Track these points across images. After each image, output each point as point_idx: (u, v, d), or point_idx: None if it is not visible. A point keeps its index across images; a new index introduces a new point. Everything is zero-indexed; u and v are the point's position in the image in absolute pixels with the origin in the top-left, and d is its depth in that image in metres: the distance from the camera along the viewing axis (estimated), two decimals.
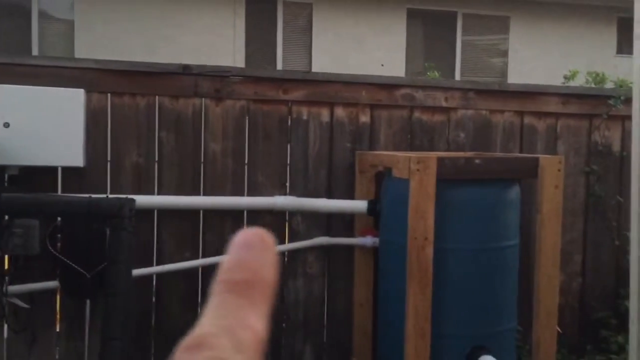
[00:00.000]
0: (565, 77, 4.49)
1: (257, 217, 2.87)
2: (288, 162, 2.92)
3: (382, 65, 8.40)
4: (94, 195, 2.47)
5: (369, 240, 2.86)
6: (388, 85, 3.04)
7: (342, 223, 2.95)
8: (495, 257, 2.51)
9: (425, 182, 2.32)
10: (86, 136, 2.62)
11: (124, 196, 2.45)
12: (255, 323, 0.32)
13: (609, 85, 3.84)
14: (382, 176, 2.80)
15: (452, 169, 2.40)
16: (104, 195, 2.58)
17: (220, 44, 8.26)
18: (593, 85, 3.90)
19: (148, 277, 2.76)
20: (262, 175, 2.88)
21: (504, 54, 9.41)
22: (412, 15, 9.02)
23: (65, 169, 2.61)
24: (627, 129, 3.31)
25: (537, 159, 2.54)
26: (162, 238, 2.77)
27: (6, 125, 2.43)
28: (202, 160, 2.81)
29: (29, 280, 2.56)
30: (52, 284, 2.58)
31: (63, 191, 2.61)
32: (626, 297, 2.95)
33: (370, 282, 2.91)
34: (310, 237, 2.92)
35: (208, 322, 0.31)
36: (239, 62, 8.24)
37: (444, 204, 2.37)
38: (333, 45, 8.63)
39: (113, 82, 2.71)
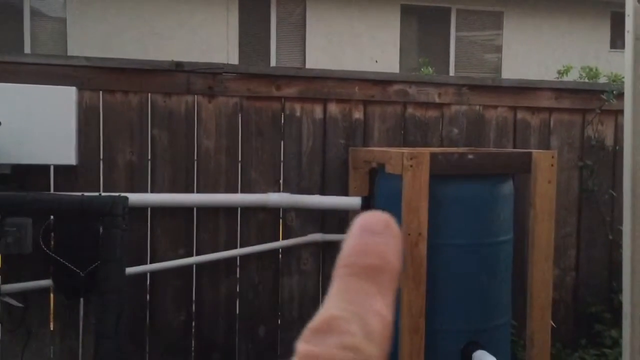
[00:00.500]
0: (559, 72, 4.49)
1: (250, 214, 2.87)
2: (281, 158, 2.91)
3: (376, 61, 8.39)
4: (86, 194, 2.46)
5: None
6: (381, 81, 3.04)
7: (336, 219, 2.95)
8: (489, 253, 2.51)
9: (418, 177, 2.32)
10: (78, 134, 2.61)
11: (117, 194, 2.44)
12: (383, 310, 0.30)
13: (602, 80, 3.85)
14: (376, 172, 2.80)
15: (445, 164, 2.40)
16: (97, 194, 2.57)
17: (214, 41, 8.24)
18: (587, 80, 3.91)
19: (142, 275, 2.75)
20: (256, 172, 2.87)
21: (498, 49, 9.42)
22: (406, 11, 9.01)
23: (58, 167, 2.60)
24: (620, 124, 3.31)
25: (530, 154, 2.55)
26: (156, 236, 2.77)
27: None
28: (196, 157, 2.81)
29: (22, 279, 2.55)
30: (46, 282, 2.57)
31: (55, 190, 2.60)
32: (620, 291, 2.96)
33: None
34: (305, 234, 2.92)
35: (335, 305, 0.30)
36: (233, 59, 8.22)
37: (437, 199, 2.37)
38: (327, 42, 8.62)
39: (105, 79, 2.70)
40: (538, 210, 2.52)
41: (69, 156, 2.52)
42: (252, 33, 8.61)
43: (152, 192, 2.74)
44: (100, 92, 2.70)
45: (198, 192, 2.80)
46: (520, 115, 3.23)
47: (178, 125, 2.78)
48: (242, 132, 2.86)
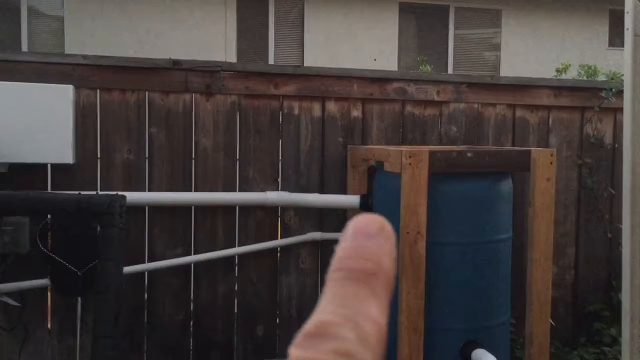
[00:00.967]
0: (558, 70, 4.49)
1: (249, 212, 2.86)
2: (280, 157, 2.90)
3: (375, 59, 8.38)
4: (83, 192, 2.45)
5: None
6: (380, 79, 3.03)
7: (335, 218, 2.94)
8: (488, 251, 2.51)
9: (417, 176, 2.31)
10: (75, 133, 2.59)
11: (114, 193, 2.42)
12: (377, 315, 0.30)
13: (601, 78, 3.84)
14: (374, 170, 2.79)
15: (444, 162, 2.39)
16: (94, 192, 2.56)
17: (212, 39, 8.22)
18: (585, 78, 3.90)
19: (140, 274, 2.74)
20: (254, 170, 2.86)
21: (496, 47, 9.41)
22: (404, 9, 9.00)
23: (55, 166, 2.59)
24: (619, 122, 3.31)
25: (529, 152, 2.54)
26: (154, 235, 2.75)
27: None
28: (193, 156, 2.79)
29: (19, 279, 2.54)
30: (43, 282, 2.56)
31: (53, 188, 2.59)
32: (619, 289, 2.96)
33: None
34: (303, 233, 2.91)
35: (328, 309, 0.29)
36: (231, 57, 8.21)
37: (436, 197, 2.37)
38: (325, 40, 8.61)
39: (102, 77, 2.69)
40: (537, 208, 2.51)
41: (66, 155, 2.51)
42: (250, 31, 8.60)
43: (149, 190, 2.73)
44: (98, 91, 2.68)
45: (196, 190, 2.79)
46: (519, 113, 3.22)
47: (176, 124, 2.77)
48: (240, 131, 2.85)
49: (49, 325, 2.66)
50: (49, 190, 2.59)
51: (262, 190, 2.85)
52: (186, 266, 2.80)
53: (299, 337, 0.29)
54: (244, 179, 2.85)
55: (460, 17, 9.24)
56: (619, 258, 2.60)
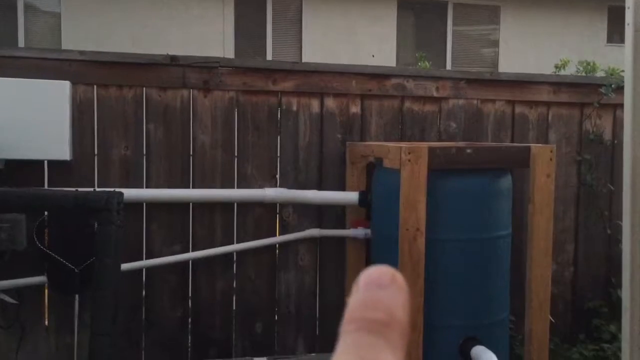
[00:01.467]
0: (556, 67, 4.47)
1: (247, 209, 2.84)
2: (278, 153, 2.89)
3: (373, 55, 8.36)
4: (80, 189, 2.43)
5: (360, 232, 2.83)
6: (378, 75, 3.01)
7: (334, 214, 2.93)
8: (488, 248, 2.50)
9: (416, 172, 2.30)
10: (72, 129, 2.58)
11: (111, 189, 2.41)
12: None
13: (599, 74, 3.83)
14: (373, 167, 2.78)
15: (444, 159, 2.37)
16: (91, 189, 2.54)
17: (209, 36, 8.19)
18: (584, 74, 3.89)
19: (138, 271, 2.73)
20: (252, 167, 2.85)
21: (495, 44, 9.40)
22: (402, 5, 8.98)
23: (52, 163, 2.57)
24: (618, 118, 3.30)
25: (528, 148, 2.53)
26: (151, 231, 2.74)
27: None
28: (191, 152, 2.78)
29: (16, 276, 2.53)
30: (40, 279, 2.55)
31: (49, 185, 2.58)
32: (618, 285, 2.95)
33: None
34: (302, 229, 2.89)
35: None
36: (228, 53, 8.18)
37: (435, 194, 2.35)
38: (323, 36, 8.58)
39: (99, 73, 2.67)
40: (537, 204, 2.50)
41: (62, 151, 2.49)
42: (248, 28, 8.57)
43: (147, 187, 2.72)
44: (95, 87, 2.67)
45: (194, 187, 2.77)
46: (518, 109, 3.21)
47: (173, 120, 2.75)
48: (238, 127, 2.84)
49: (46, 323, 2.64)
50: (46, 186, 2.57)
51: (261, 186, 2.84)
52: (184, 263, 2.79)
53: None
54: (242, 176, 2.83)
55: (458, 14, 9.23)
56: (619, 255, 2.59)
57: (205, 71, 2.77)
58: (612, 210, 3.33)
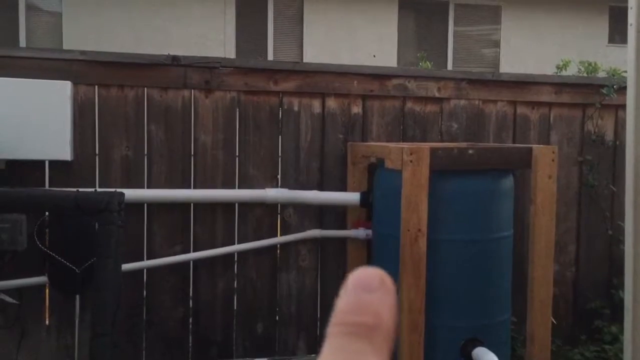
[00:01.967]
0: (558, 67, 4.47)
1: (248, 209, 2.84)
2: (279, 153, 2.89)
3: (374, 56, 8.36)
4: (81, 189, 2.43)
5: (361, 233, 2.83)
6: (380, 76, 3.01)
7: (335, 215, 2.92)
8: (489, 249, 2.49)
9: (418, 173, 2.29)
10: (73, 129, 2.57)
11: (112, 190, 2.40)
12: None
13: (601, 74, 3.82)
14: (375, 167, 2.77)
15: (445, 159, 2.37)
16: (92, 189, 2.54)
17: (211, 35, 8.19)
18: (585, 75, 3.89)
19: (139, 272, 2.72)
20: (253, 167, 2.84)
21: (496, 44, 9.39)
22: (403, 5, 8.97)
23: (53, 163, 2.57)
24: (620, 118, 3.29)
25: (530, 149, 2.52)
26: (152, 232, 2.74)
27: None
28: (192, 152, 2.77)
29: (17, 276, 2.52)
30: (41, 279, 2.54)
31: (50, 185, 2.57)
32: (620, 286, 2.95)
33: None
34: (303, 230, 2.89)
35: None
36: (230, 53, 8.18)
37: (437, 195, 2.35)
38: (324, 36, 8.58)
39: (100, 73, 2.66)
40: (538, 205, 2.49)
41: (63, 151, 2.49)
42: (249, 28, 8.56)
43: (148, 187, 2.71)
44: (96, 87, 2.66)
45: (195, 187, 2.77)
46: (520, 110, 3.20)
47: (174, 120, 2.75)
48: (239, 127, 2.83)
49: (47, 323, 2.64)
50: (47, 187, 2.57)
51: (262, 187, 2.83)
52: (185, 264, 2.78)
53: None
54: (243, 176, 2.83)
55: (459, 14, 9.22)
56: (620, 256, 2.59)
57: (206, 71, 2.77)
58: (614, 211, 3.32)
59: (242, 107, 2.83)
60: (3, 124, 2.40)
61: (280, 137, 2.89)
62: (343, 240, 2.92)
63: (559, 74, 3.88)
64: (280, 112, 2.89)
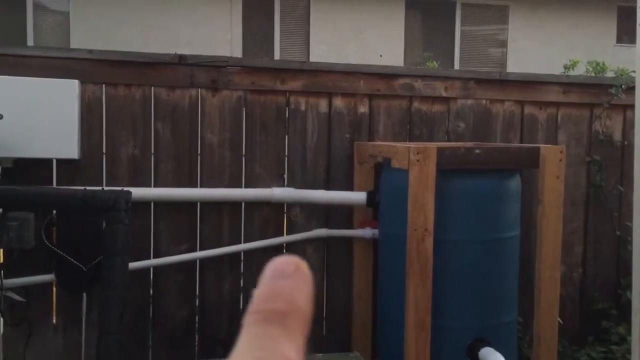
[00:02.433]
0: (565, 67, 4.45)
1: (254, 209, 2.84)
2: (286, 153, 2.89)
3: (381, 55, 8.35)
4: (89, 188, 2.43)
5: (368, 232, 2.83)
6: (387, 75, 3.00)
7: (341, 214, 2.92)
8: (496, 249, 2.48)
9: (425, 172, 2.29)
10: (81, 128, 2.58)
11: (119, 188, 2.41)
12: (292, 355, 0.30)
13: (609, 74, 3.80)
14: (381, 167, 2.77)
15: (452, 159, 2.36)
16: (100, 188, 2.54)
17: (217, 35, 8.20)
18: (593, 75, 3.87)
19: (145, 270, 2.73)
20: (260, 166, 2.84)
21: (503, 44, 9.36)
22: (410, 5, 8.96)
23: (60, 161, 2.58)
24: (628, 118, 3.27)
25: (538, 149, 2.51)
26: (159, 230, 2.74)
27: None
28: (199, 151, 2.78)
29: (24, 274, 2.53)
30: (48, 277, 2.55)
31: (58, 184, 2.58)
32: (627, 287, 2.93)
33: (369, 274, 2.88)
34: (309, 229, 2.89)
35: (243, 353, 0.31)
36: (236, 52, 8.19)
37: (444, 194, 2.34)
38: (331, 36, 8.57)
39: (108, 72, 2.67)
40: (546, 205, 2.49)
41: (71, 150, 2.50)
42: (256, 27, 8.57)
43: (155, 186, 2.72)
44: (103, 85, 2.67)
45: (201, 186, 2.77)
46: (527, 109, 3.19)
47: (181, 119, 2.75)
48: (246, 126, 2.83)
49: (54, 321, 2.65)
50: (54, 185, 2.57)
51: (268, 186, 2.83)
52: (191, 262, 2.79)
53: None
54: (249, 175, 2.83)
55: (466, 13, 9.20)
56: (628, 256, 2.57)
57: (213, 70, 2.77)
58: (622, 212, 3.30)
59: (249, 107, 2.84)
60: (11, 123, 2.41)
61: (286, 136, 2.89)
62: (349, 240, 2.92)
63: (566, 73, 3.86)
64: (287, 112, 2.89)
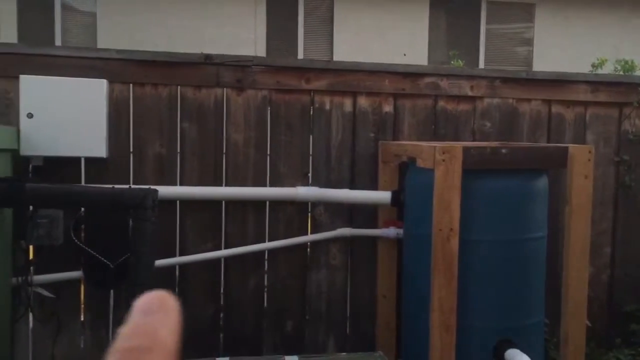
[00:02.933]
0: (593, 66, 4.38)
1: (279, 207, 2.85)
2: (310, 152, 2.89)
3: (404, 54, 8.30)
4: (117, 186, 2.47)
5: (392, 232, 2.82)
6: (412, 74, 2.99)
7: (365, 214, 2.91)
8: (522, 249, 2.46)
9: (450, 172, 2.27)
10: (109, 127, 2.61)
11: (146, 187, 2.44)
12: None
13: (638, 73, 3.73)
14: (406, 166, 2.75)
15: (479, 158, 2.34)
16: (127, 186, 2.57)
17: (241, 34, 8.24)
18: (622, 73, 3.80)
19: (171, 268, 2.76)
20: (284, 165, 2.85)
21: (529, 42, 9.24)
22: (434, 3, 8.89)
23: (88, 160, 2.62)
24: None
25: (566, 149, 2.48)
26: (185, 229, 2.77)
27: (30, 115, 2.44)
28: (224, 150, 2.80)
29: (53, 270, 2.58)
30: (76, 274, 2.59)
31: (86, 182, 2.62)
32: None
33: (393, 273, 2.87)
34: (333, 228, 2.89)
35: None
36: (260, 52, 8.21)
37: (469, 194, 2.32)
38: (354, 35, 8.55)
39: (135, 72, 2.70)
40: (574, 206, 2.45)
41: (99, 149, 2.53)
42: (280, 26, 8.59)
43: (181, 184, 2.74)
44: (131, 85, 2.70)
45: (226, 185, 2.79)
46: (554, 109, 3.15)
47: (207, 118, 2.78)
48: (270, 125, 2.85)
49: (81, 317, 2.69)
50: (83, 183, 2.61)
51: (292, 185, 2.84)
52: (216, 260, 2.81)
53: None
54: (274, 174, 2.84)
55: (492, 12, 9.10)
56: None
57: (239, 70, 2.79)
58: None
59: (274, 106, 2.85)
60: (41, 122, 2.45)
61: (311, 135, 2.89)
62: (373, 239, 2.91)
63: (594, 72, 3.80)
64: (312, 111, 2.89)
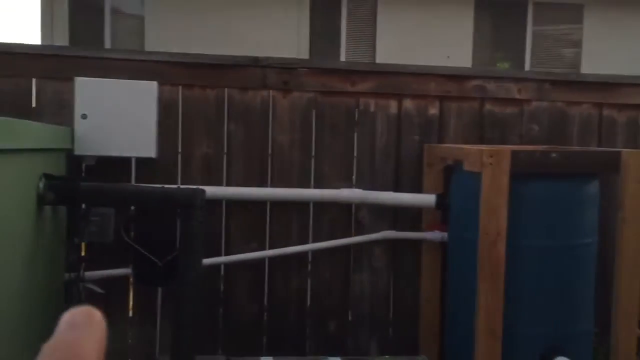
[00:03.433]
0: None
1: (323, 209, 2.86)
2: (355, 154, 2.89)
3: (448, 57, 8.23)
4: (166, 186, 2.52)
5: (437, 235, 2.80)
6: (458, 77, 2.96)
7: (409, 217, 2.90)
8: (571, 255, 2.41)
9: (497, 176, 2.24)
10: (158, 128, 2.67)
11: (194, 187, 2.48)
12: None
13: None
14: (451, 170, 2.73)
15: (527, 162, 2.31)
16: (176, 186, 2.63)
17: (285, 36, 8.31)
18: None
19: (216, 267, 2.80)
20: (329, 167, 2.86)
21: (577, 44, 9.04)
22: (479, 5, 8.78)
23: (139, 160, 2.68)
24: None
25: (619, 153, 2.41)
26: (230, 229, 2.81)
27: (84, 116, 2.51)
28: (270, 152, 2.83)
29: (103, 267, 2.65)
30: (125, 271, 2.66)
31: (136, 181, 2.69)
32: None
33: (437, 277, 2.85)
34: (377, 231, 2.88)
35: None
36: (303, 54, 8.26)
37: (517, 198, 2.29)
38: (397, 37, 8.52)
39: (184, 74, 2.76)
40: (627, 212, 2.39)
41: (149, 149, 2.59)
42: (323, 29, 8.63)
43: (227, 185, 2.79)
44: (180, 87, 2.76)
45: (271, 186, 2.82)
46: (606, 112, 3.07)
47: (253, 120, 2.81)
48: (315, 127, 2.86)
49: (129, 314, 2.76)
50: (133, 182, 2.68)
51: (336, 187, 2.85)
52: (260, 260, 2.84)
53: None
54: (318, 176, 2.86)
55: (539, 13, 8.93)
56: None
57: (285, 72, 2.81)
58: None
59: (319, 108, 2.86)
60: (94, 122, 2.53)
61: (355, 137, 2.90)
62: (417, 243, 2.89)
63: None
64: (357, 113, 2.90)
